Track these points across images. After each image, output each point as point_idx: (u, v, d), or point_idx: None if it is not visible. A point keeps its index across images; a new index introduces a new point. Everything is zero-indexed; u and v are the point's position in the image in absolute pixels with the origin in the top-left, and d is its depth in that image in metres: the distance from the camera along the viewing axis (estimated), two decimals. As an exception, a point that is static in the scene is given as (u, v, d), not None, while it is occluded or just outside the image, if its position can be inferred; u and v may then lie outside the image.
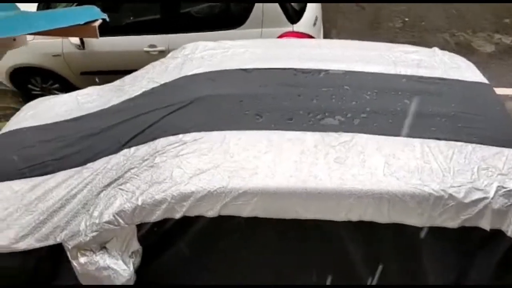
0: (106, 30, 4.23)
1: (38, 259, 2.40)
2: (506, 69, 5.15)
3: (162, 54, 4.15)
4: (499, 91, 5.01)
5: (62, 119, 2.98)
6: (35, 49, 4.28)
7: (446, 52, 2.97)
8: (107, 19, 2.97)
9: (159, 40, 4.23)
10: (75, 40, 4.10)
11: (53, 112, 3.10)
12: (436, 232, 2.19)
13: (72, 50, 4.19)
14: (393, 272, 2.28)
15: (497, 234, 2.20)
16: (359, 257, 2.26)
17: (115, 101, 2.94)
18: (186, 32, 4.17)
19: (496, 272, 2.26)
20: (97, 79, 4.20)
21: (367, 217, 2.17)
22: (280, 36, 4.07)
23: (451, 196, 2.15)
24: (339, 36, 5.12)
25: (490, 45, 5.44)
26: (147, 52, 4.24)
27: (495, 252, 2.24)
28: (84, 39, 4.16)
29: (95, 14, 3.02)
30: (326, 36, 4.59)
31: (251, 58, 2.82)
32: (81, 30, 2.91)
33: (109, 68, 4.24)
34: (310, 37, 4.10)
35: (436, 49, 2.98)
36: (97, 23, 2.97)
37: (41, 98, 3.45)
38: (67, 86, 4.48)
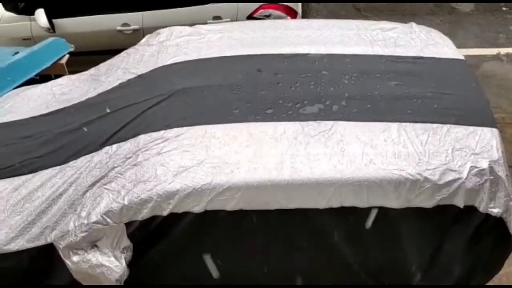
0: (76, 10, 4.10)
1: (31, 258, 2.45)
2: (485, 29, 5.15)
3: (136, 33, 4.04)
4: (477, 51, 5.07)
5: (40, 113, 2.93)
6: (3, 32, 4.10)
7: (423, 27, 2.96)
8: (73, 49, 3.24)
9: (132, 18, 4.09)
10: (44, 23, 3.93)
11: (30, 106, 3.03)
12: (413, 211, 2.31)
13: (43, 33, 4.02)
14: (375, 251, 2.42)
15: (470, 209, 2.33)
16: (341, 238, 2.38)
17: (92, 93, 2.88)
18: (160, 9, 4.05)
19: (469, 244, 2.42)
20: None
21: (347, 204, 2.27)
22: (257, 9, 3.99)
23: (426, 179, 2.24)
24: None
25: (468, 4, 5.39)
26: (121, 31, 4.11)
27: (468, 226, 2.38)
28: (54, 20, 4.01)
29: (62, 49, 3.21)
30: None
31: (229, 44, 2.77)
32: (50, 68, 3.21)
33: (83, 49, 4.11)
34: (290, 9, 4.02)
35: (413, 24, 2.96)
36: (64, 60, 3.23)
37: (15, 90, 3.35)
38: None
